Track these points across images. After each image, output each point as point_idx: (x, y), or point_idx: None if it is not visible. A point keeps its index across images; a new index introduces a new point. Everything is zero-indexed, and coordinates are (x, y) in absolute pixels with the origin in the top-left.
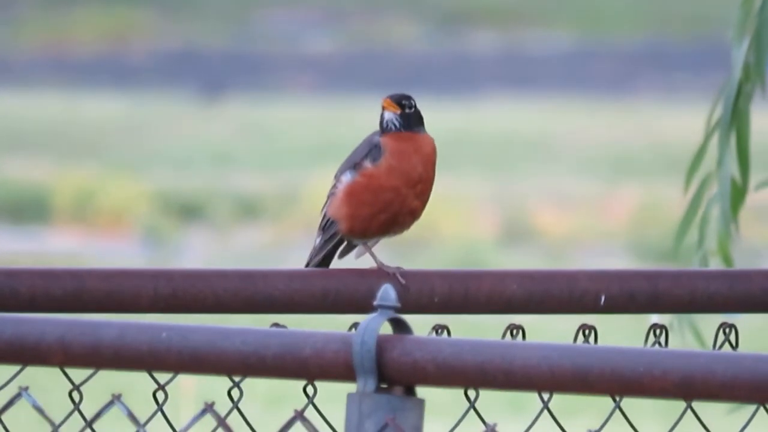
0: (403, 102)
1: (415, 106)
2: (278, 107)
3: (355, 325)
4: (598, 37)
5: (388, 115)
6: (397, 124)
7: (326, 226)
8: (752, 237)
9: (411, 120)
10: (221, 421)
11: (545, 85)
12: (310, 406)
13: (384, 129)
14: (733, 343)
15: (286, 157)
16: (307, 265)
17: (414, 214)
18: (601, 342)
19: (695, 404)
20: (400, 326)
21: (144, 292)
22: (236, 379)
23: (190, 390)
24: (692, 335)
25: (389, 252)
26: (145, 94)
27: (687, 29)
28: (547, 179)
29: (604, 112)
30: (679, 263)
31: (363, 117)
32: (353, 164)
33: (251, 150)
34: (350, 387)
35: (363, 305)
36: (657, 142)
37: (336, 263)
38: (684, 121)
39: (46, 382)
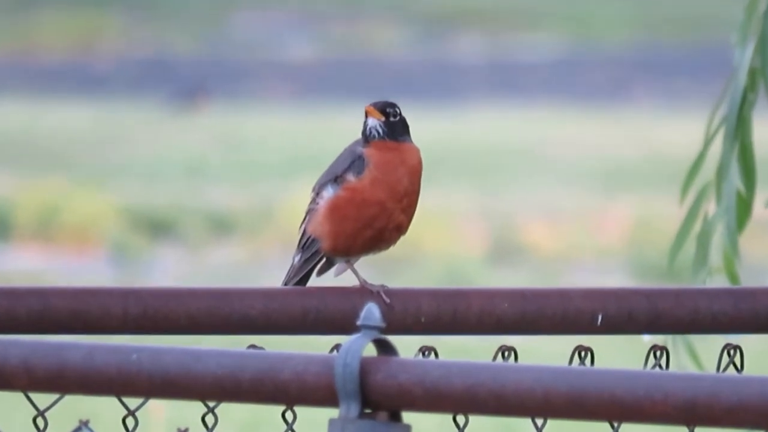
0: (387, 109)
1: (400, 114)
2: (254, 116)
3: (337, 346)
4: (589, 43)
5: (371, 122)
6: (381, 132)
7: (307, 244)
8: (755, 253)
9: (396, 129)
10: None
11: (534, 93)
12: None
13: (367, 137)
14: (739, 366)
15: (263, 170)
16: (284, 284)
17: (400, 230)
18: (598, 364)
19: (698, 430)
20: (384, 348)
21: (113, 311)
22: (211, 404)
23: (161, 416)
24: (689, 357)
25: (372, 270)
26: (114, 102)
27: (683, 33)
28: (537, 193)
29: (597, 121)
30: (677, 280)
31: (344, 126)
32: (334, 177)
33: (226, 162)
34: (332, 412)
35: (345, 325)
36: (653, 153)
37: (315, 281)
38: (682, 130)
39: (9, 408)
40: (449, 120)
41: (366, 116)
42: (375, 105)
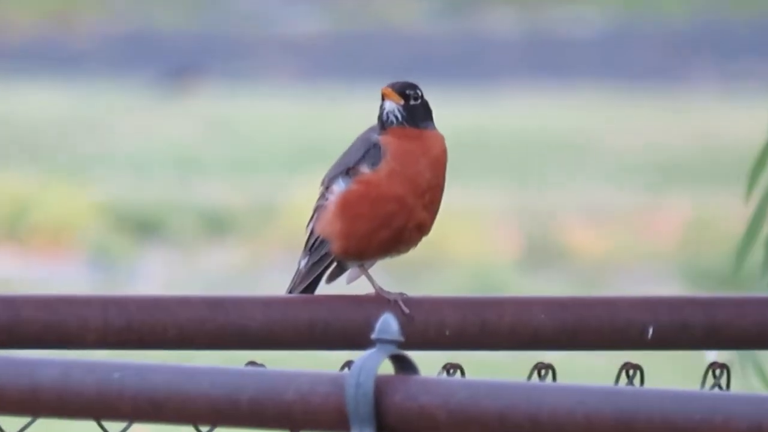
0: (407, 91)
1: (422, 98)
2: (254, 100)
3: (348, 363)
4: (642, 17)
5: (389, 105)
6: (400, 117)
7: (315, 246)
8: None
9: (417, 114)
10: None
11: (578, 75)
12: None
13: (384, 123)
14: None
15: (264, 161)
16: (289, 292)
17: (422, 229)
18: (648, 384)
19: None
20: (403, 365)
21: (92, 323)
22: (204, 429)
23: None
24: (757, 376)
25: (388, 276)
26: (93, 84)
27: (750, 8)
28: (579, 189)
29: (648, 108)
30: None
31: (356, 112)
32: (347, 169)
33: (221, 152)
34: None
35: (358, 339)
36: (713, 144)
37: (323, 289)
38: (746, 118)
39: None
40: (478, 105)
41: (383, 99)
42: (393, 86)
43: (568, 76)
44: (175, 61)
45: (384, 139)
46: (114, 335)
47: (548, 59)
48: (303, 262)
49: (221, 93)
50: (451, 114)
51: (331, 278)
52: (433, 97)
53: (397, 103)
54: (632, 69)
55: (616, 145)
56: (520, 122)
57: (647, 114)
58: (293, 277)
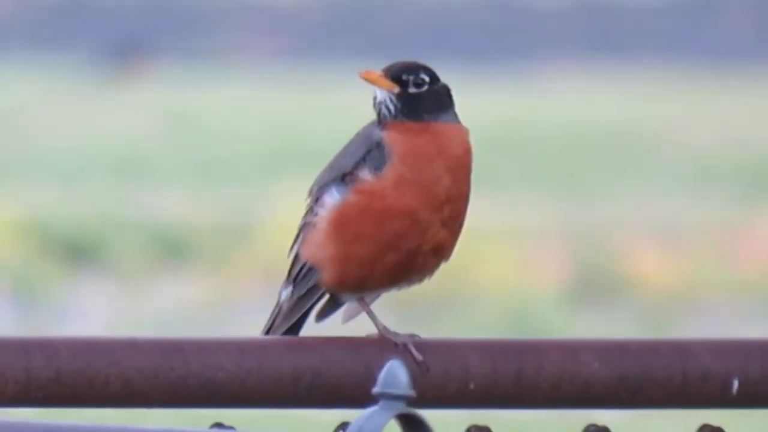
0: (404, 76)
1: (432, 84)
2: (220, 86)
3: (343, 425)
4: None
5: (379, 94)
6: (392, 109)
7: (300, 275)
8: None
9: (420, 104)
10: None
11: (642, 53)
12: None
13: (378, 117)
14: None
15: (234, 165)
16: (267, 333)
17: (440, 253)
18: None
19: None
20: (414, 427)
21: (10, 373)
22: None
23: None
24: None
25: (398, 314)
26: (12, 66)
27: None
28: (644, 201)
29: (736, 95)
30: None
31: (353, 102)
32: (342, 174)
33: (178, 153)
34: None
35: (356, 394)
36: None
37: (312, 329)
38: None
39: None
40: (514, 92)
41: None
42: (388, 69)
43: (630, 55)
44: (118, 36)
45: (388, 137)
46: (39, 389)
47: (604, 33)
48: (285, 295)
49: (178, 77)
50: (479, 104)
51: (322, 315)
52: (454, 83)
53: (389, 91)
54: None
55: (693, 144)
56: (567, 114)
57: (734, 103)
58: (272, 314)
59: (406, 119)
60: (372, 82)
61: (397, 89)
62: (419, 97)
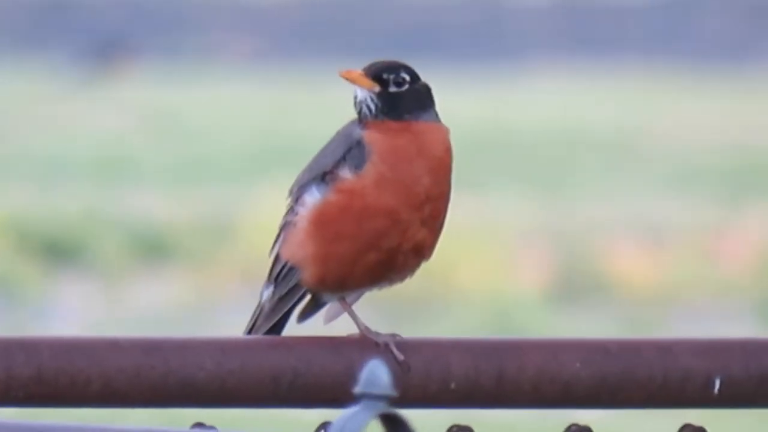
0: (384, 75)
1: (411, 82)
2: (202, 85)
3: (324, 425)
4: None
5: (359, 93)
6: (373, 108)
7: (281, 275)
8: None
9: (401, 103)
10: None
11: (624, 51)
12: None
13: (359, 116)
14: None
15: (216, 164)
16: (248, 333)
17: (421, 252)
18: None
19: None
20: (395, 427)
21: None
22: None
23: None
24: None
25: (379, 313)
26: None
27: None
28: (627, 201)
29: (720, 94)
30: None
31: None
32: (322, 173)
33: (159, 152)
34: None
35: (337, 394)
36: None
37: (293, 329)
38: None
39: None
40: (497, 91)
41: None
42: (368, 68)
43: (614, 54)
44: (100, 35)
45: (369, 136)
46: (20, 389)
47: (588, 32)
48: (266, 295)
49: (159, 76)
50: (462, 104)
51: (304, 316)
52: (437, 82)
53: (369, 90)
54: (699, 44)
55: (676, 144)
56: (550, 113)
57: (718, 102)
58: (253, 315)
59: (387, 118)
60: (352, 81)
61: (377, 88)
62: (400, 97)
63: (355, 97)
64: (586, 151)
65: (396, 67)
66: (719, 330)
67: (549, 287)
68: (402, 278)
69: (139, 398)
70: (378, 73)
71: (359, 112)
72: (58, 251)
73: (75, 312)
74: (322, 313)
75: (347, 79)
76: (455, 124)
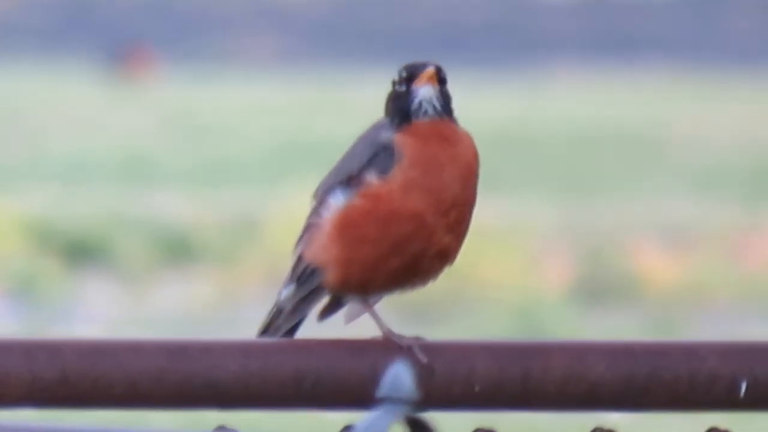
0: (440, 74)
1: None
2: (225, 87)
3: (347, 428)
4: None
5: (425, 92)
6: (438, 107)
7: (304, 276)
8: None
9: (449, 102)
10: None
11: (649, 51)
12: None
13: (413, 114)
14: None
15: (239, 165)
16: (263, 333)
17: (445, 257)
18: None
19: None
20: (420, 430)
21: (14, 374)
22: None
23: None
24: None
25: (402, 315)
26: (17, 66)
27: None
28: (652, 201)
29: (747, 94)
30: None
31: (358, 101)
32: (347, 177)
33: (182, 154)
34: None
35: (360, 396)
36: None
37: (314, 329)
38: None
39: None
40: (520, 91)
41: (408, 82)
42: (426, 66)
43: (638, 53)
44: (124, 37)
45: (400, 139)
46: (43, 390)
47: (612, 30)
48: (285, 295)
49: (183, 77)
50: (485, 103)
51: (324, 315)
52: (461, 82)
53: (434, 87)
54: (724, 42)
55: (700, 143)
56: (574, 113)
57: (745, 102)
58: (270, 314)
59: (445, 117)
60: (430, 79)
61: (438, 86)
62: (449, 96)
63: (414, 95)
64: (610, 150)
65: (439, 66)
66: (744, 330)
67: (574, 288)
68: (425, 282)
69: (162, 400)
70: (438, 70)
71: (419, 111)
72: (82, 252)
73: (98, 313)
74: (343, 312)
75: (428, 76)
76: (481, 123)
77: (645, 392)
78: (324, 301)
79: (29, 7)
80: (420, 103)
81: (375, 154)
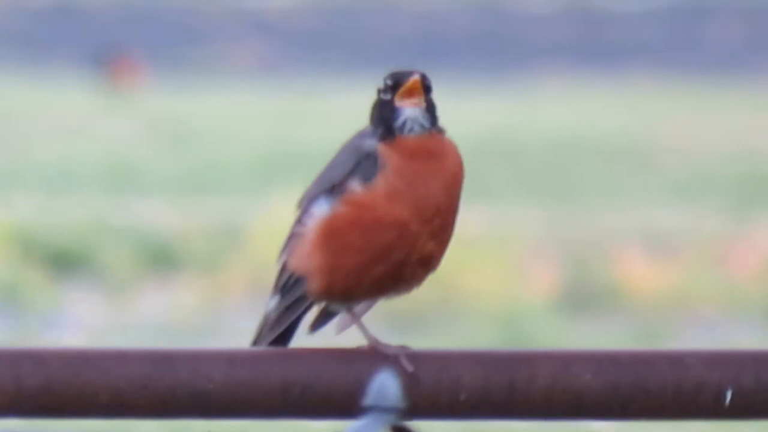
0: (426, 83)
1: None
2: (209, 94)
3: None
4: None
5: (410, 112)
6: (426, 124)
7: (288, 285)
8: None
9: (435, 113)
10: None
11: (633, 60)
12: None
13: (398, 131)
14: None
15: (223, 173)
16: (254, 343)
17: (428, 264)
18: None
19: None
20: None
21: None
22: None
23: None
24: None
25: (388, 324)
26: (1, 73)
27: None
28: (637, 209)
29: (730, 103)
30: None
31: (343, 109)
32: (331, 185)
33: (166, 161)
34: None
35: (346, 405)
36: None
37: (304, 339)
38: None
39: None
40: (505, 99)
41: (391, 96)
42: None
43: (622, 61)
44: (109, 44)
45: (384, 149)
46: (28, 400)
47: (597, 39)
48: (272, 305)
49: (168, 84)
50: (469, 111)
51: (315, 326)
52: (445, 90)
53: (419, 107)
54: (707, 51)
55: (686, 152)
56: (559, 121)
57: (728, 110)
58: (260, 325)
59: (432, 130)
60: (412, 93)
61: (423, 103)
62: (433, 104)
63: (400, 114)
64: (595, 159)
65: (424, 74)
66: (729, 338)
67: (559, 296)
68: (409, 289)
69: (147, 410)
70: (425, 81)
71: (407, 128)
72: (66, 260)
73: (82, 321)
74: (335, 323)
75: (408, 91)
76: (464, 132)
77: (630, 401)
78: (314, 312)
79: (15, 13)
80: (405, 122)
81: (358, 163)
